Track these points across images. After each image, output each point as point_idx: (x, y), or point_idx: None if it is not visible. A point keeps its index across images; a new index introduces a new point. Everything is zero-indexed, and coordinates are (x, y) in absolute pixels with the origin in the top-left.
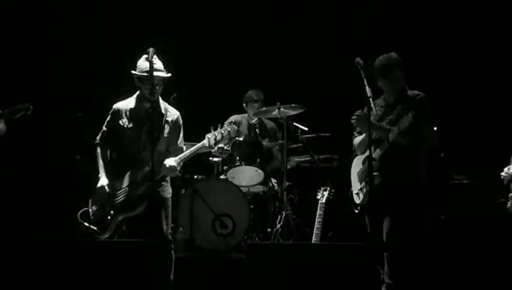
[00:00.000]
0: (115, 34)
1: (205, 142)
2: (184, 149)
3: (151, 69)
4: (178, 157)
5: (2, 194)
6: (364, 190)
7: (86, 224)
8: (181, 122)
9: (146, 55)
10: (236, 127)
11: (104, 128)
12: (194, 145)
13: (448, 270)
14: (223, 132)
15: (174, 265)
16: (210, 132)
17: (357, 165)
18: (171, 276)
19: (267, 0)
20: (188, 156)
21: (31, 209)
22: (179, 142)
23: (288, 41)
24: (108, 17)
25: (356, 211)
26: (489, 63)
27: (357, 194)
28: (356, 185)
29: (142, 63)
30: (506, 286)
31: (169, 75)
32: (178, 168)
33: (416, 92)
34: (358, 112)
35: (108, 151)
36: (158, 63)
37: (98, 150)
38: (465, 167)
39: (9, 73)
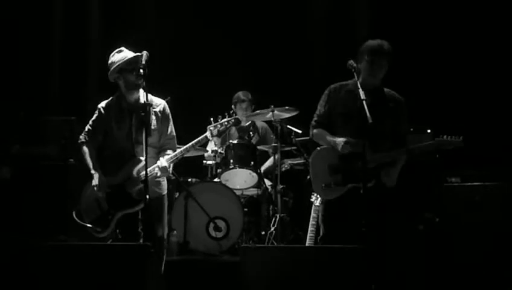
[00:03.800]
0: (109, 39)
1: (208, 134)
2: (175, 139)
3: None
4: (170, 156)
5: None
6: (333, 186)
7: (83, 223)
8: (168, 111)
9: (116, 52)
10: (239, 118)
11: (89, 127)
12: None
13: (442, 273)
14: (226, 122)
15: (164, 267)
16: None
17: (327, 156)
18: (161, 277)
19: (260, 3)
20: (187, 150)
21: (23, 211)
22: (169, 131)
23: (282, 44)
24: (104, 21)
25: (318, 205)
26: (486, 66)
27: (327, 186)
28: (325, 178)
29: (117, 56)
30: (499, 285)
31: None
32: (170, 168)
33: (395, 94)
34: (347, 142)
35: (94, 150)
36: (128, 52)
37: (85, 148)
38: (459, 169)
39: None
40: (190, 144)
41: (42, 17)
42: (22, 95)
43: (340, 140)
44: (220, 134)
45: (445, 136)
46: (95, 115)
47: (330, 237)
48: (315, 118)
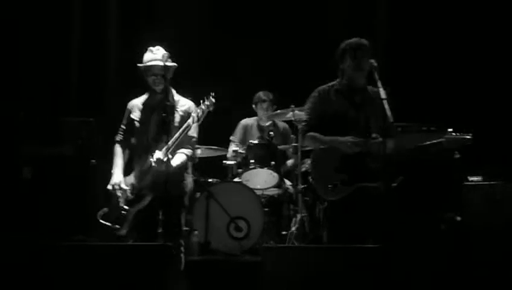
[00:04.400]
0: (128, 38)
1: (190, 121)
2: (194, 140)
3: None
4: (164, 148)
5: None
6: (339, 186)
7: (106, 223)
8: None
9: (148, 50)
10: (213, 100)
11: (122, 126)
12: (210, 148)
13: (464, 271)
14: (203, 106)
15: (185, 267)
16: (222, 135)
17: (330, 156)
18: (182, 277)
19: (280, 2)
20: (177, 139)
21: (44, 212)
22: (189, 132)
23: (303, 44)
24: (122, 20)
25: (325, 204)
26: (507, 64)
27: (334, 186)
28: (330, 178)
29: (145, 56)
30: None
31: (169, 64)
32: (166, 158)
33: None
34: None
35: (126, 149)
36: (158, 53)
37: (117, 148)
38: (480, 168)
39: (22, 77)
40: (177, 133)
41: (61, 17)
42: (41, 97)
43: (345, 139)
44: (198, 119)
45: (453, 133)
46: (125, 113)
47: (334, 238)
48: (307, 122)
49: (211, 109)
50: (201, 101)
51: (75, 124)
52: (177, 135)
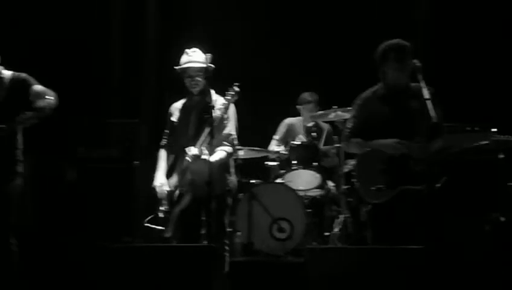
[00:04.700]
0: (168, 42)
1: (218, 114)
2: (232, 138)
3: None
4: (199, 142)
5: (56, 195)
6: (384, 189)
7: (151, 226)
8: (231, 111)
9: (185, 52)
10: (237, 90)
11: (166, 130)
12: (253, 149)
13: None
14: (228, 97)
15: (229, 268)
16: (265, 137)
17: (375, 159)
18: (226, 278)
19: (321, 3)
20: (209, 134)
21: (89, 213)
22: (226, 131)
23: (344, 44)
24: (163, 24)
25: (368, 207)
26: None
27: (378, 190)
28: (375, 180)
29: (182, 58)
30: None
31: (204, 65)
32: (201, 154)
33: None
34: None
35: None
36: (194, 56)
37: (162, 152)
38: None
39: (65, 79)
40: (209, 128)
41: (101, 22)
42: (86, 99)
43: (391, 141)
44: (225, 111)
45: (499, 136)
46: (167, 118)
47: (379, 241)
48: (351, 129)
49: (236, 98)
50: (225, 94)
51: (121, 125)
52: (208, 130)
